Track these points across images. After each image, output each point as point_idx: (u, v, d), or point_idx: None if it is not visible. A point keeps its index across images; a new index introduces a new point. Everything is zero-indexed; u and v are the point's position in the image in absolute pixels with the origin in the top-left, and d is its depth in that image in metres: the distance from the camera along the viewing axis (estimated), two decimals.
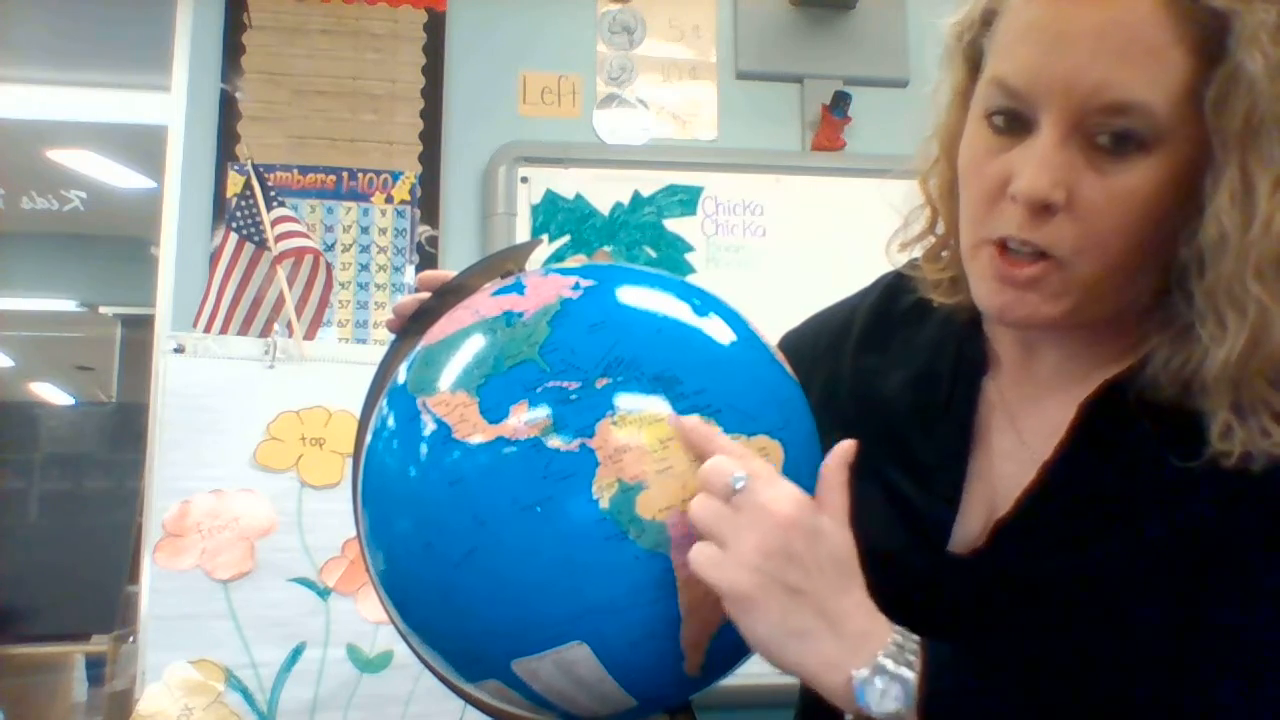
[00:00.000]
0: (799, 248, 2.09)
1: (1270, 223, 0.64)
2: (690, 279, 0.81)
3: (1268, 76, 0.62)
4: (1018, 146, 0.69)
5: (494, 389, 0.68)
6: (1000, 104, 0.69)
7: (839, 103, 2.15)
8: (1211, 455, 0.67)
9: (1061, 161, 0.66)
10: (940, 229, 0.84)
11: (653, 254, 2.07)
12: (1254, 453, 0.66)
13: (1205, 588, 0.67)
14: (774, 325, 0.93)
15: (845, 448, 0.70)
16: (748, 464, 0.66)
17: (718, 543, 0.64)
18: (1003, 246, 0.70)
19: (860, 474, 0.81)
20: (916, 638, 0.66)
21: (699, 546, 0.65)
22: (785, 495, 0.65)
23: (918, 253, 0.86)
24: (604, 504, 0.65)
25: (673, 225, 2.08)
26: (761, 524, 0.64)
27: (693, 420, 0.67)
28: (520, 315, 0.72)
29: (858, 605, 0.66)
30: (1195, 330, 0.68)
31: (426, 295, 0.85)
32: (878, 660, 0.64)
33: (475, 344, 0.71)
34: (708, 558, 0.64)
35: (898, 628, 0.66)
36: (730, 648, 0.70)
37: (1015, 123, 0.69)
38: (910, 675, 0.64)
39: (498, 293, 0.76)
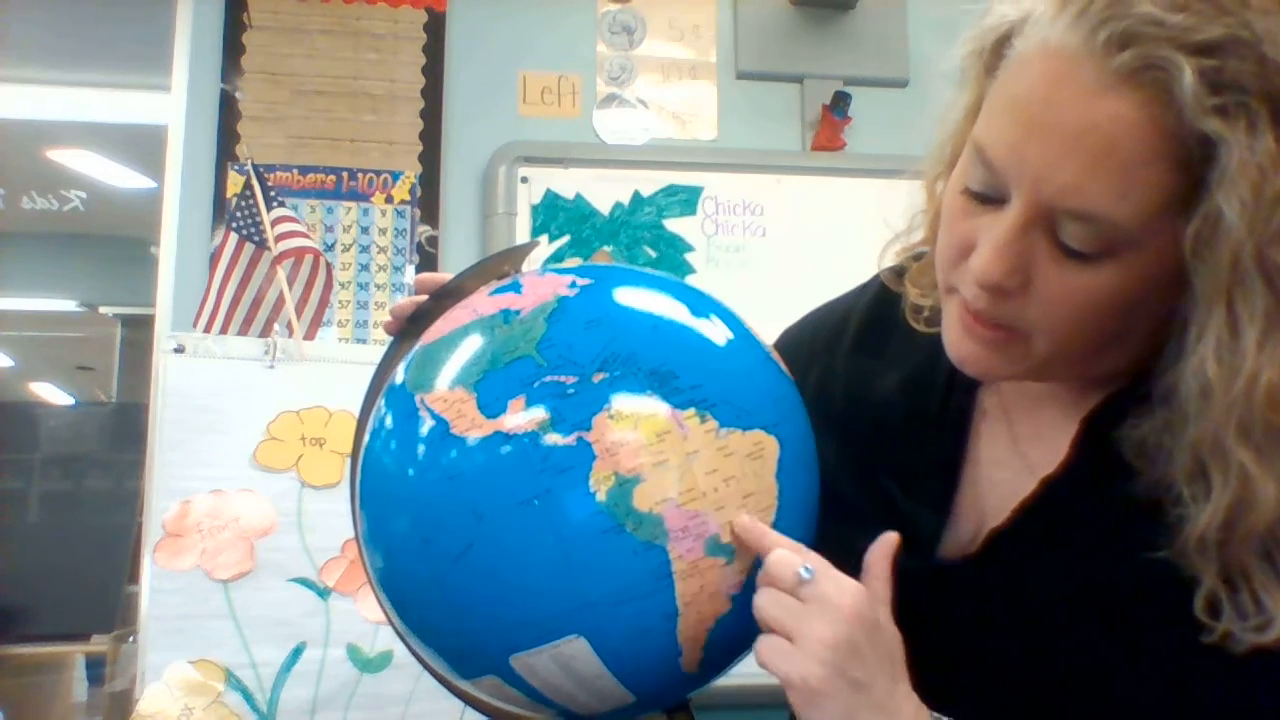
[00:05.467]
0: (799, 248, 2.08)
1: (1256, 379, 0.60)
2: (690, 279, 0.82)
3: (1248, 224, 0.58)
4: (987, 215, 0.66)
5: (491, 385, 0.69)
6: (976, 174, 0.66)
7: (839, 103, 2.15)
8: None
9: (1022, 249, 0.64)
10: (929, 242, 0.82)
11: (653, 254, 2.07)
12: (1236, 634, 0.63)
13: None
14: (774, 325, 0.93)
15: (888, 541, 0.72)
16: (807, 557, 0.68)
17: (786, 635, 0.66)
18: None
19: (851, 476, 0.81)
20: None
21: (766, 639, 0.67)
22: (849, 588, 0.67)
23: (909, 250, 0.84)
24: (601, 497, 0.65)
25: (673, 225, 2.08)
26: (828, 616, 0.66)
27: (746, 519, 0.68)
28: (517, 313, 0.72)
29: (906, 696, 0.68)
30: (1176, 400, 0.64)
31: (423, 298, 0.85)
32: None
33: (473, 341, 0.72)
34: (776, 650, 0.66)
35: (935, 714, 0.68)
36: (728, 642, 0.71)
37: (990, 192, 0.65)
38: None
39: (495, 292, 0.76)
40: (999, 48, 0.67)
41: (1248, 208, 0.58)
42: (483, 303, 0.75)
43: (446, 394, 0.70)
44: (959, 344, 0.71)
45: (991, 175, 0.65)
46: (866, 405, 0.85)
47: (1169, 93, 0.58)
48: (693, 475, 0.67)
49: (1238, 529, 0.62)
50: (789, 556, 0.67)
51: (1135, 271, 0.63)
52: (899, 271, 0.85)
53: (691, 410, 0.69)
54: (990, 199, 0.66)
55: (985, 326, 0.68)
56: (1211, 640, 0.63)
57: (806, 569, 0.66)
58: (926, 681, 0.70)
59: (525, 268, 0.86)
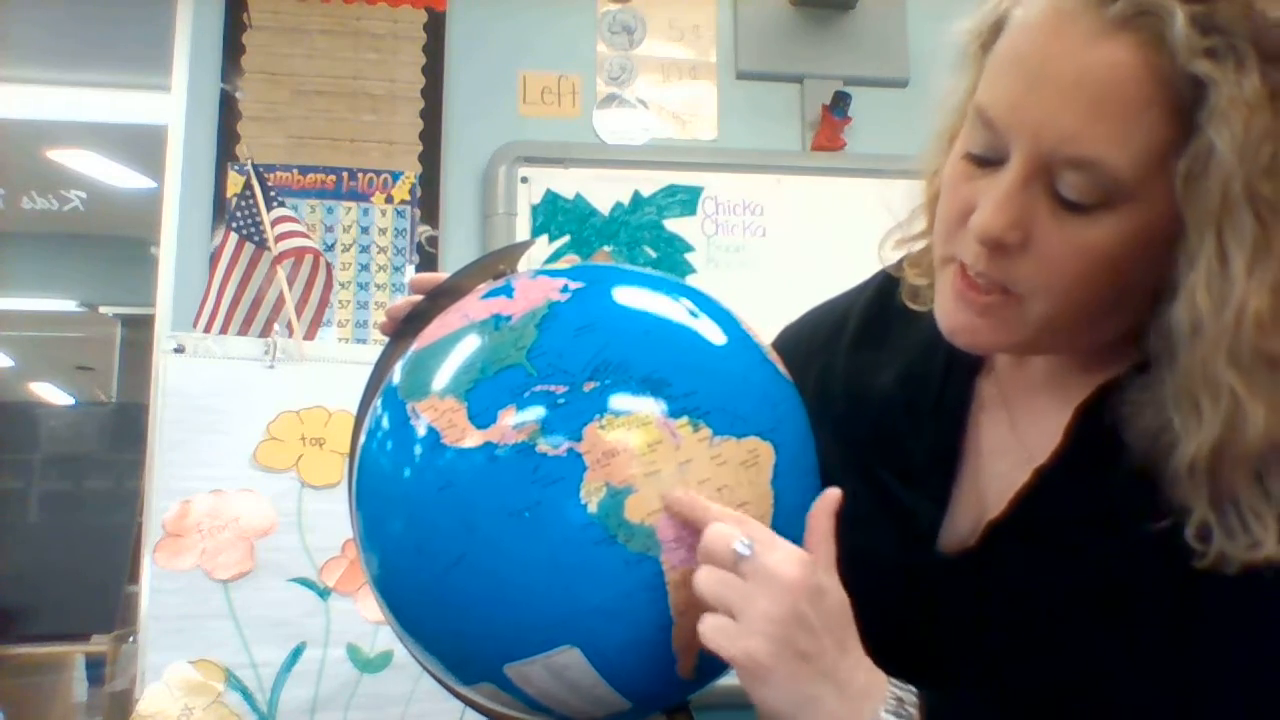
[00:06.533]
0: (799, 248, 2.08)
1: (1244, 307, 0.61)
2: (690, 279, 0.81)
3: (1238, 157, 0.59)
4: (987, 178, 0.67)
5: (482, 394, 0.68)
6: (977, 138, 0.68)
7: (839, 103, 2.15)
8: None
9: (1022, 203, 0.65)
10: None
11: (653, 254, 2.07)
12: (1228, 555, 0.64)
13: (1201, 593, 0.66)
14: (774, 325, 0.93)
15: (831, 497, 0.71)
16: (746, 528, 0.66)
17: (727, 612, 0.65)
18: (965, 267, 0.70)
19: (850, 472, 0.81)
20: (914, 690, 0.67)
21: (709, 618, 0.65)
22: (789, 557, 0.66)
23: (911, 249, 0.85)
24: (592, 508, 0.65)
25: (673, 225, 2.08)
26: (770, 589, 0.64)
27: (678, 493, 0.66)
28: (508, 319, 0.71)
29: (857, 661, 0.67)
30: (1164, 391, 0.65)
31: (419, 298, 0.85)
32: (880, 716, 0.65)
33: (464, 349, 0.71)
34: (718, 629, 0.65)
35: (894, 681, 0.67)
36: None
37: (990, 154, 0.67)
38: None
39: (487, 296, 0.75)
40: (997, 26, 0.69)
41: (1237, 141, 0.59)
42: (474, 307, 0.74)
43: (438, 403, 0.69)
44: (952, 315, 0.71)
45: (992, 135, 0.66)
46: (866, 401, 0.85)
47: (1161, 38, 0.60)
48: (685, 485, 0.67)
49: (1228, 453, 0.63)
50: (725, 531, 0.65)
51: (1133, 226, 0.64)
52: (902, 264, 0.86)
53: (684, 419, 0.68)
54: (990, 161, 0.67)
55: (980, 292, 0.69)
56: (1204, 565, 0.64)
57: (743, 544, 0.65)
58: (927, 675, 0.69)
59: (521, 266, 0.86)
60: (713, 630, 0.65)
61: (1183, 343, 0.64)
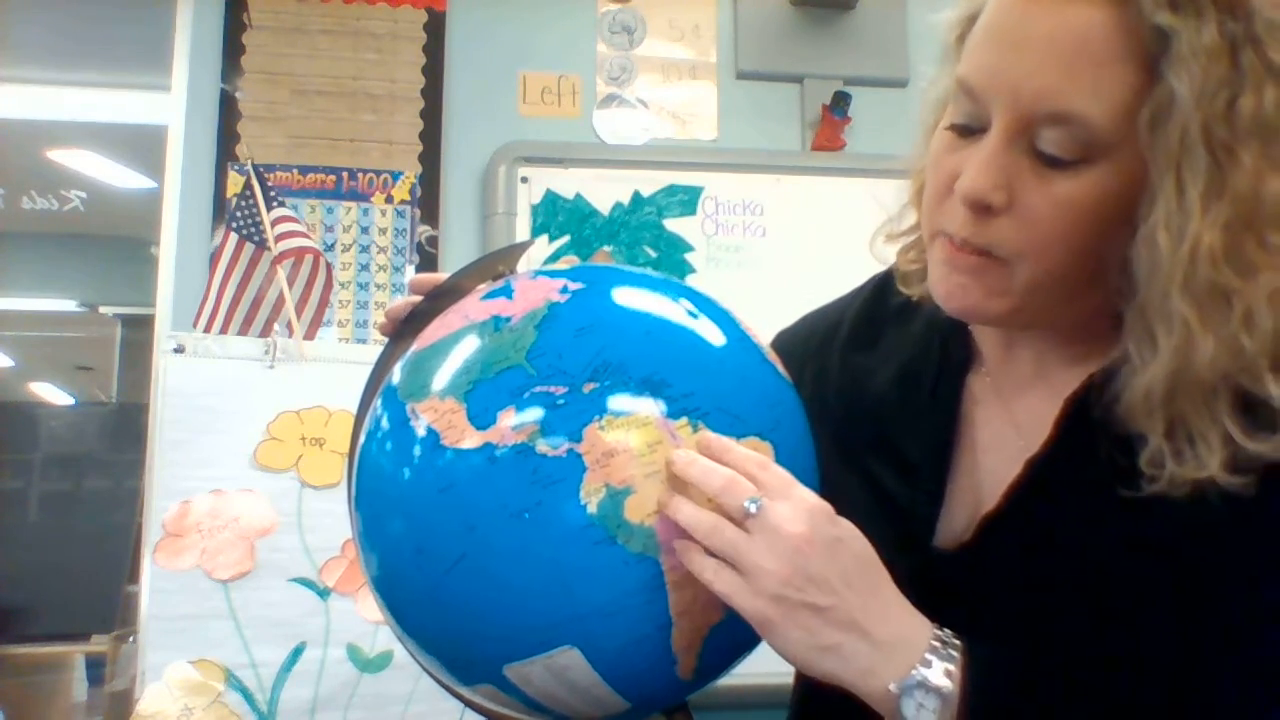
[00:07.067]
0: (799, 248, 2.08)
1: (1199, 243, 0.63)
2: (690, 279, 0.82)
3: (1195, 102, 0.62)
4: (971, 147, 0.69)
5: (482, 395, 0.68)
6: (960, 108, 0.70)
7: (839, 103, 2.15)
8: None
9: (1005, 164, 0.67)
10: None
11: (653, 254, 2.07)
12: (1176, 477, 0.65)
13: (1201, 581, 0.67)
14: (773, 325, 0.93)
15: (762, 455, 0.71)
16: (763, 474, 0.67)
17: (732, 565, 0.65)
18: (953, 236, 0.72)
19: (847, 471, 0.81)
20: (957, 642, 0.66)
21: (721, 571, 0.65)
22: (799, 512, 0.66)
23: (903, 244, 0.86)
24: (592, 509, 0.65)
25: (673, 225, 2.08)
26: (777, 550, 0.64)
27: (710, 435, 0.67)
28: (508, 320, 0.71)
29: (887, 607, 0.67)
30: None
31: (418, 298, 0.85)
32: (915, 674, 0.65)
33: (463, 350, 0.71)
34: (729, 583, 0.65)
35: (937, 629, 0.67)
36: (723, 650, 0.70)
37: (974, 123, 0.69)
38: (950, 687, 0.64)
39: (486, 296, 0.75)
40: (972, 19, 0.71)
41: (1195, 87, 0.62)
42: (474, 308, 0.74)
43: (437, 404, 0.69)
44: (943, 281, 0.73)
45: (973, 103, 0.69)
46: (861, 400, 0.86)
47: None
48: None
49: (1180, 382, 0.65)
50: (737, 485, 0.66)
51: (1111, 180, 0.66)
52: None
53: (684, 419, 0.68)
54: (973, 130, 0.69)
55: (969, 255, 0.70)
56: (1155, 490, 0.66)
57: (751, 500, 0.65)
58: None
59: (521, 266, 0.86)
60: (722, 584, 0.65)
61: (1143, 280, 0.66)
